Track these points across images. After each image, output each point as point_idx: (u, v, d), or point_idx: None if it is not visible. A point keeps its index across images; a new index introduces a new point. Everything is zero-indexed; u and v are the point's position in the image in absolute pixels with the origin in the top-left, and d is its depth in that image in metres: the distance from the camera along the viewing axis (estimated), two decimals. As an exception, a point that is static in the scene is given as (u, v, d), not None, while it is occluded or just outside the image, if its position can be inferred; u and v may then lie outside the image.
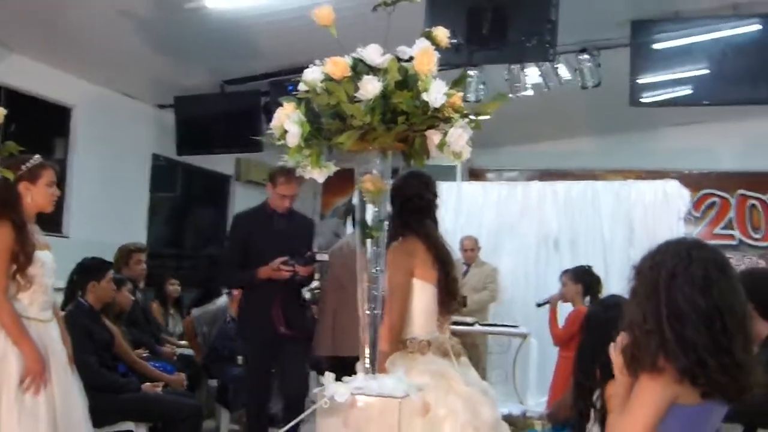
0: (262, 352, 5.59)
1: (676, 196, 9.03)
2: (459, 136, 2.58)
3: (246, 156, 10.46)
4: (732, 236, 10.95)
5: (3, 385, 3.80)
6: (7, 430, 3.77)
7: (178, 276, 8.35)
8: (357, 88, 2.52)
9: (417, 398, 2.90)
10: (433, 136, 2.63)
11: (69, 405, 4.05)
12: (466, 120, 2.63)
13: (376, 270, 2.81)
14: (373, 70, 2.57)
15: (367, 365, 2.82)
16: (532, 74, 7.98)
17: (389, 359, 3.45)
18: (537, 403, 8.23)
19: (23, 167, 4.03)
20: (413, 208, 3.79)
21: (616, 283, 8.85)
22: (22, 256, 3.89)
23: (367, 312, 2.82)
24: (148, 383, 5.48)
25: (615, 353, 2.53)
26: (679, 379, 2.33)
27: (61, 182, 4.26)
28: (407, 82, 2.55)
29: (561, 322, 6.96)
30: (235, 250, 5.76)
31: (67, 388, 4.08)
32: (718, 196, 11.14)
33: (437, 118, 2.59)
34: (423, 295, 3.65)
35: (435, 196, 3.91)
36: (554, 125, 10.75)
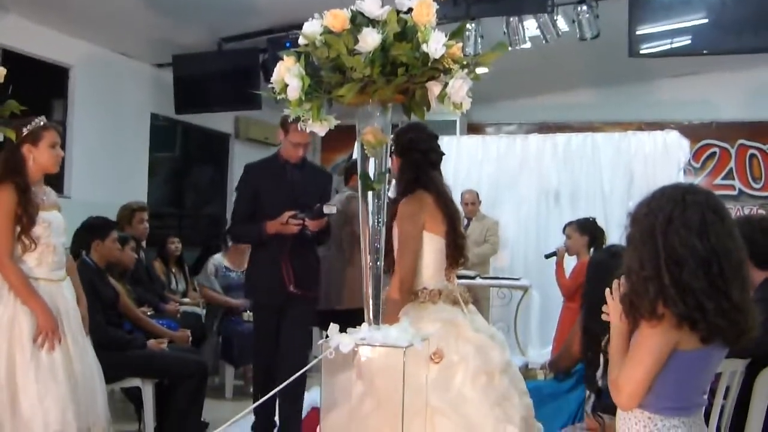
0: (270, 311, 5.28)
1: (675, 147, 9.03)
2: (459, 86, 2.59)
3: (245, 114, 10.45)
4: (732, 186, 10.96)
5: (16, 345, 3.86)
6: (25, 387, 3.83)
7: (179, 235, 8.39)
8: (356, 41, 2.53)
9: (427, 346, 2.93)
10: (434, 88, 2.63)
11: (86, 362, 4.11)
12: (466, 71, 2.64)
13: (378, 222, 2.84)
14: (372, 22, 2.57)
15: (371, 316, 2.86)
16: (530, 27, 7.92)
17: (402, 309, 3.50)
18: (539, 354, 8.30)
19: (25, 129, 4.04)
20: (427, 162, 3.82)
21: (617, 235, 8.92)
22: (25, 218, 3.92)
23: (370, 264, 2.85)
24: (153, 340, 5.53)
25: (612, 300, 2.56)
26: (679, 324, 2.36)
27: (61, 143, 4.26)
28: (406, 33, 2.56)
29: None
30: (245, 202, 5.37)
31: (83, 347, 4.14)
32: (718, 146, 11.12)
33: (437, 69, 2.60)
34: (432, 247, 3.69)
35: (441, 150, 3.94)
36: (553, 78, 10.70)
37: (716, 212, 2.42)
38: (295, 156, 5.22)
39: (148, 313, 6.03)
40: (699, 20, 7.08)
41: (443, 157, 3.93)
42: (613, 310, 2.57)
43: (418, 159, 3.77)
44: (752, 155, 11.01)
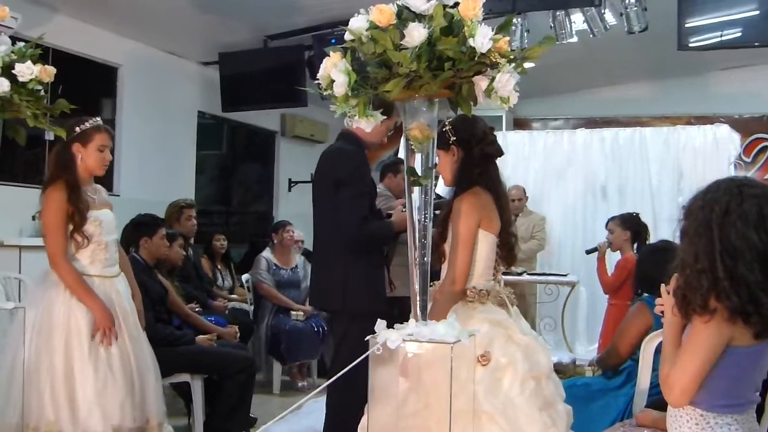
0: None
1: (726, 141, 8.92)
2: (506, 81, 2.57)
3: (291, 111, 10.47)
4: (783, 181, 10.78)
5: (74, 341, 3.92)
6: (83, 383, 3.89)
7: (226, 232, 8.46)
8: (402, 36, 2.52)
9: (474, 342, 2.91)
10: (480, 82, 2.61)
11: (141, 356, 4.17)
12: (513, 65, 2.62)
13: (425, 217, 2.83)
14: (418, 17, 2.56)
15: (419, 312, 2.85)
16: (577, 21, 7.85)
17: (452, 308, 3.46)
18: (586, 350, 8.26)
19: (77, 129, 4.10)
20: (490, 155, 3.71)
21: (666, 230, 8.88)
22: (77, 216, 3.99)
23: (417, 259, 2.85)
24: (201, 336, 5.58)
25: (666, 294, 2.53)
26: (731, 319, 2.33)
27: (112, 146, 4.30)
28: (453, 28, 2.54)
29: (610, 270, 6.95)
30: (366, 199, 4.56)
31: (139, 341, 4.20)
32: (770, 140, 10.96)
33: (484, 63, 2.57)
34: (485, 245, 3.60)
35: None
36: (600, 72, 10.61)
37: None
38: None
39: (196, 309, 6.08)
40: (749, 12, 6.97)
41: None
42: (666, 304, 2.54)
43: (489, 152, 3.67)
44: (803, 149, 10.83)
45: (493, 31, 2.56)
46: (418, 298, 2.86)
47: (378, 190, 5.84)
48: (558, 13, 7.73)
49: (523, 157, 9.68)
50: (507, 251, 3.73)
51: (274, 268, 7.56)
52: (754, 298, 2.30)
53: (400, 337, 2.70)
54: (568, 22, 7.81)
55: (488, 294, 3.57)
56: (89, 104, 7.57)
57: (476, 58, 2.53)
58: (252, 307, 7.59)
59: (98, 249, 4.09)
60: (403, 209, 4.48)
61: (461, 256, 3.51)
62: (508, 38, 2.62)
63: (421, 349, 2.73)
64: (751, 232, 2.33)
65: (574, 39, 7.90)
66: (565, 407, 3.50)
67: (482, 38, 2.49)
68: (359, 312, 4.36)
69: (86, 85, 7.50)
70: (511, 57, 2.61)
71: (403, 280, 5.90)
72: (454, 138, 3.63)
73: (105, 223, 4.14)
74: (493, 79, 2.58)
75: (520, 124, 11.65)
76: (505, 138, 9.77)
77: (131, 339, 4.12)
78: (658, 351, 4.04)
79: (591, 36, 7.87)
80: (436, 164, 3.07)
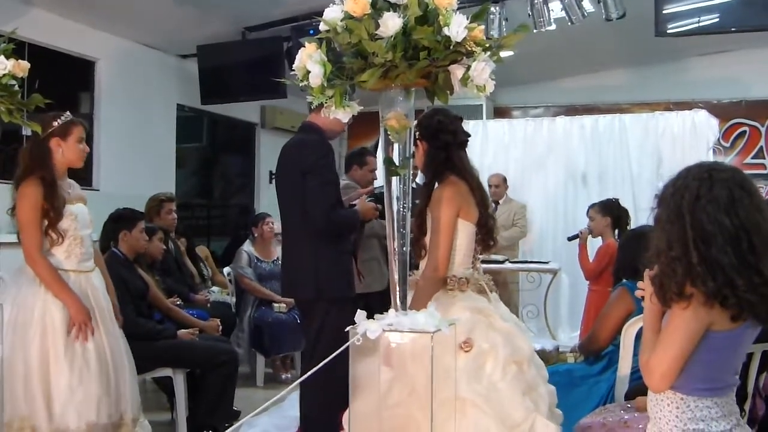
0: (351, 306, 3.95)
1: (704, 127, 8.95)
2: (482, 69, 2.58)
3: (271, 103, 10.46)
4: (763, 165, 10.84)
5: (49, 337, 3.90)
6: (58, 379, 3.88)
7: (208, 225, 8.41)
8: (377, 26, 2.52)
9: (454, 331, 2.92)
10: (456, 71, 2.62)
11: (117, 352, 4.15)
12: (488, 53, 2.62)
13: (404, 207, 2.83)
14: (393, 6, 2.56)
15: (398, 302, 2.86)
16: (555, 8, 7.87)
17: (433, 297, 3.49)
18: (569, 337, 8.29)
19: (55, 123, 4.08)
20: (456, 143, 3.78)
21: (645, 216, 8.88)
22: (52, 212, 3.97)
23: (396, 249, 2.85)
24: (183, 330, 5.56)
25: (648, 280, 2.55)
26: (708, 303, 2.34)
27: (88, 136, 4.30)
28: (428, 17, 2.54)
29: (592, 256, 6.97)
30: (335, 188, 4.64)
31: (114, 336, 4.18)
32: (748, 125, 11.01)
33: (459, 52, 2.58)
34: (464, 234, 3.67)
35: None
36: (579, 60, 10.63)
37: (743, 188, 2.40)
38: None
39: (177, 303, 6.06)
40: (726, -3, 7.01)
41: (469, 139, 3.90)
42: (645, 291, 2.55)
43: (448, 140, 3.73)
44: (783, 133, 10.90)
45: (468, 19, 2.57)
46: (397, 288, 2.86)
47: (344, 182, 5.86)
48: (536, 0, 7.75)
49: (503, 146, 9.70)
50: (487, 234, 3.78)
51: (256, 261, 7.53)
52: (729, 281, 2.31)
53: (380, 327, 2.70)
54: (546, 10, 7.83)
55: (468, 282, 3.63)
56: (67, 99, 7.53)
57: (451, 47, 2.54)
58: (234, 300, 7.57)
59: (74, 243, 4.07)
60: (368, 198, 4.72)
61: (442, 243, 3.57)
62: (482, 27, 2.63)
63: (402, 339, 2.74)
64: (723, 216, 2.34)
65: (553, 27, 7.92)
66: (548, 388, 3.56)
67: (457, 27, 2.50)
68: (335, 299, 4.49)
69: (63, 80, 7.46)
70: (487, 46, 2.61)
71: (372, 275, 5.96)
72: (417, 132, 3.67)
73: (80, 217, 4.12)
74: (468, 68, 2.58)
75: (500, 112, 11.67)
76: (486, 126, 9.80)
77: (107, 334, 4.10)
78: (638, 336, 4.07)
79: (569, 24, 7.88)
80: (413, 154, 3.07)
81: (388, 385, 2.91)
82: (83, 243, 4.12)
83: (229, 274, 7.73)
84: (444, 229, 3.58)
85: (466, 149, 3.87)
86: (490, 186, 8.53)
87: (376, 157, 6.48)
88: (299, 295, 4.79)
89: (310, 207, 4.43)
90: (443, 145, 3.73)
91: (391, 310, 2.84)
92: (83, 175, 7.42)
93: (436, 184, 3.74)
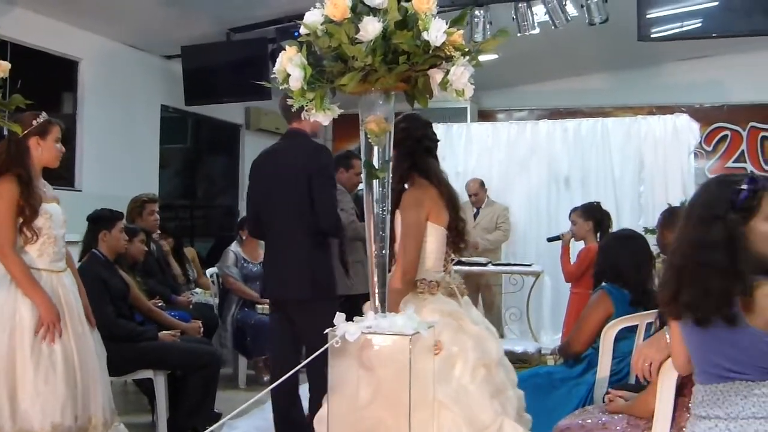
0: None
1: (686, 131, 9.03)
2: (460, 74, 2.59)
3: (255, 104, 10.46)
4: (744, 169, 10.90)
5: (17, 336, 3.88)
6: (24, 378, 3.85)
7: (191, 226, 8.40)
8: (357, 30, 2.52)
9: (429, 336, 2.94)
10: (436, 75, 2.63)
11: (85, 354, 4.12)
12: (467, 58, 2.63)
13: (383, 211, 2.84)
14: (372, 10, 2.56)
15: (377, 305, 2.86)
16: (539, 12, 7.91)
17: (403, 300, 3.51)
18: (552, 340, 8.32)
19: (34, 122, 4.08)
20: (422, 149, 3.82)
21: (627, 218, 8.97)
22: (27, 210, 3.96)
23: (375, 252, 2.86)
24: (164, 332, 5.55)
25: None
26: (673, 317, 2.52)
27: (71, 136, 4.31)
28: (407, 21, 2.55)
29: (573, 260, 7.00)
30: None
31: (83, 338, 4.15)
32: (730, 129, 11.08)
33: (438, 57, 2.58)
34: (435, 237, 3.69)
35: (436, 137, 3.96)
36: (563, 63, 10.68)
37: None
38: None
39: (159, 305, 6.04)
40: (709, 3, 7.08)
41: (438, 143, 3.95)
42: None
43: (411, 146, 3.76)
44: (764, 137, 10.97)
45: (447, 24, 2.58)
46: (376, 291, 2.87)
47: None
48: (520, 4, 7.79)
49: (486, 148, 9.72)
50: (458, 236, 3.81)
51: (243, 262, 7.52)
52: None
53: (359, 329, 2.71)
54: (530, 14, 7.87)
55: (438, 285, 3.67)
56: (49, 99, 7.51)
57: (431, 52, 2.55)
58: (217, 301, 7.57)
59: (47, 242, 4.05)
60: None
61: (410, 248, 3.60)
62: (462, 32, 2.64)
63: (381, 341, 2.74)
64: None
65: (536, 30, 7.96)
66: (516, 392, 3.60)
67: (436, 32, 2.51)
68: (333, 298, 4.69)
69: (46, 80, 7.43)
70: (466, 50, 2.63)
71: (357, 277, 5.98)
72: None
73: (55, 216, 4.11)
74: (447, 72, 2.59)
75: (484, 115, 11.69)
76: (469, 129, 9.82)
77: (75, 335, 4.06)
78: (617, 339, 4.11)
79: (553, 27, 7.92)
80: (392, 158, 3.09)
81: (366, 387, 2.91)
82: (56, 242, 4.11)
83: (212, 276, 7.72)
84: (413, 233, 3.61)
85: (437, 154, 3.91)
86: (469, 195, 8.57)
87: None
88: (292, 295, 4.79)
89: (322, 208, 4.57)
90: (408, 151, 3.75)
91: (370, 313, 2.85)
92: (65, 176, 7.41)
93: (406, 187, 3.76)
